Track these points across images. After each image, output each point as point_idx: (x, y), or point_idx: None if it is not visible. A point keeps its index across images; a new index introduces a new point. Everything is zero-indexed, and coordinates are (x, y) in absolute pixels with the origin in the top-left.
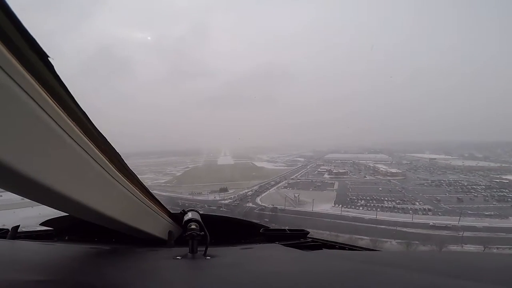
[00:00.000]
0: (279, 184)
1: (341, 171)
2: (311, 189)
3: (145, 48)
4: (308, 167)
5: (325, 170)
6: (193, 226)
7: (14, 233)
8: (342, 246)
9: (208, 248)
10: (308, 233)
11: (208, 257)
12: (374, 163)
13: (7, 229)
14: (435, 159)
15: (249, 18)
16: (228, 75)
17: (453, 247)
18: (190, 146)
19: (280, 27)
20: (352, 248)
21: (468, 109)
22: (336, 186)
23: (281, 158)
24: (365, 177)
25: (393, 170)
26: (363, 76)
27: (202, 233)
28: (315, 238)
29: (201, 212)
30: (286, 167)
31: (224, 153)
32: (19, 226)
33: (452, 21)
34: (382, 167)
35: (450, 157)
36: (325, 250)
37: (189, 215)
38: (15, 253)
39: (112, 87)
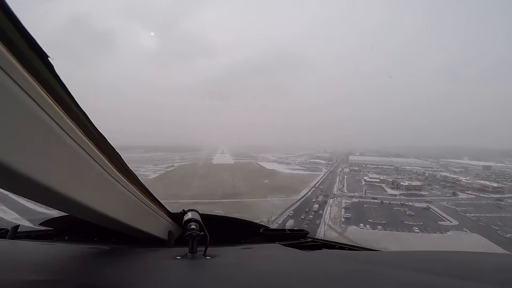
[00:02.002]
0: (331, 211)
1: (413, 184)
2: (416, 229)
3: (131, 21)
4: (338, 171)
5: (377, 179)
6: (193, 226)
7: (14, 233)
8: (342, 246)
9: (208, 248)
10: (308, 233)
11: (208, 257)
12: (434, 171)
13: (7, 229)
14: (490, 166)
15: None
16: (225, 68)
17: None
18: (183, 142)
19: (292, 19)
20: (352, 248)
21: (472, 114)
22: (451, 218)
23: (291, 159)
24: (456, 194)
25: (494, 184)
26: (365, 77)
27: (202, 233)
28: (315, 238)
29: (201, 212)
30: (308, 172)
31: (221, 151)
32: (19, 226)
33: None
34: (463, 179)
35: (504, 165)
36: (325, 250)
37: (189, 215)
38: (14, 253)
39: (92, 69)
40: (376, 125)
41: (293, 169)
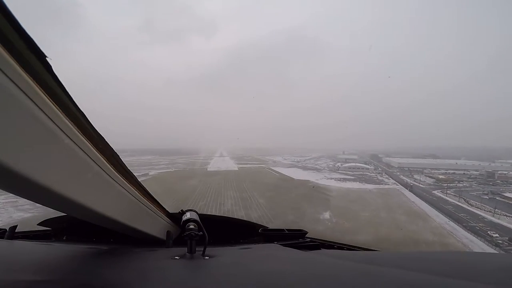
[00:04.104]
0: None
1: None
2: None
3: None
4: (417, 183)
5: None
6: (191, 226)
7: (12, 233)
8: (340, 246)
9: (207, 248)
10: (306, 233)
11: (206, 257)
12: None
13: (4, 229)
14: None
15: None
16: (223, 61)
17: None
18: (178, 145)
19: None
20: (350, 248)
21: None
22: None
23: (311, 162)
24: None
25: None
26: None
27: (201, 233)
28: (314, 238)
29: (199, 212)
30: (373, 185)
31: (220, 153)
32: (16, 226)
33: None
34: None
35: None
36: (323, 250)
37: (188, 215)
38: (12, 253)
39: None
40: (384, 126)
41: (338, 180)
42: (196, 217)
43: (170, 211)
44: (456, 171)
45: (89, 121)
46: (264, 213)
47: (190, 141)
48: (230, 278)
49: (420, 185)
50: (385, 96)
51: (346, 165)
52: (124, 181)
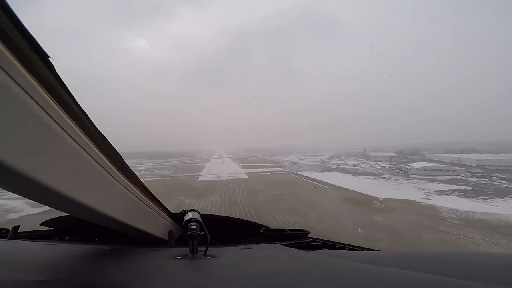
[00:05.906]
0: None
1: None
2: None
3: None
4: None
5: None
6: (193, 226)
7: (15, 233)
8: (342, 246)
9: (208, 248)
10: (308, 233)
11: (208, 257)
12: None
13: (7, 229)
14: None
15: None
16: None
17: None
18: (176, 147)
19: None
20: (352, 248)
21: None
22: None
23: (339, 162)
24: None
25: None
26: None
27: (203, 233)
28: (316, 238)
29: (201, 212)
30: None
31: (219, 155)
32: (19, 226)
33: None
34: None
35: None
36: (325, 250)
37: (190, 215)
38: (15, 253)
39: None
40: (385, 124)
41: (460, 194)
42: (198, 217)
43: (172, 211)
44: None
45: (91, 121)
46: None
47: (187, 142)
48: (232, 278)
49: None
50: (386, 94)
51: (418, 166)
52: (127, 181)
